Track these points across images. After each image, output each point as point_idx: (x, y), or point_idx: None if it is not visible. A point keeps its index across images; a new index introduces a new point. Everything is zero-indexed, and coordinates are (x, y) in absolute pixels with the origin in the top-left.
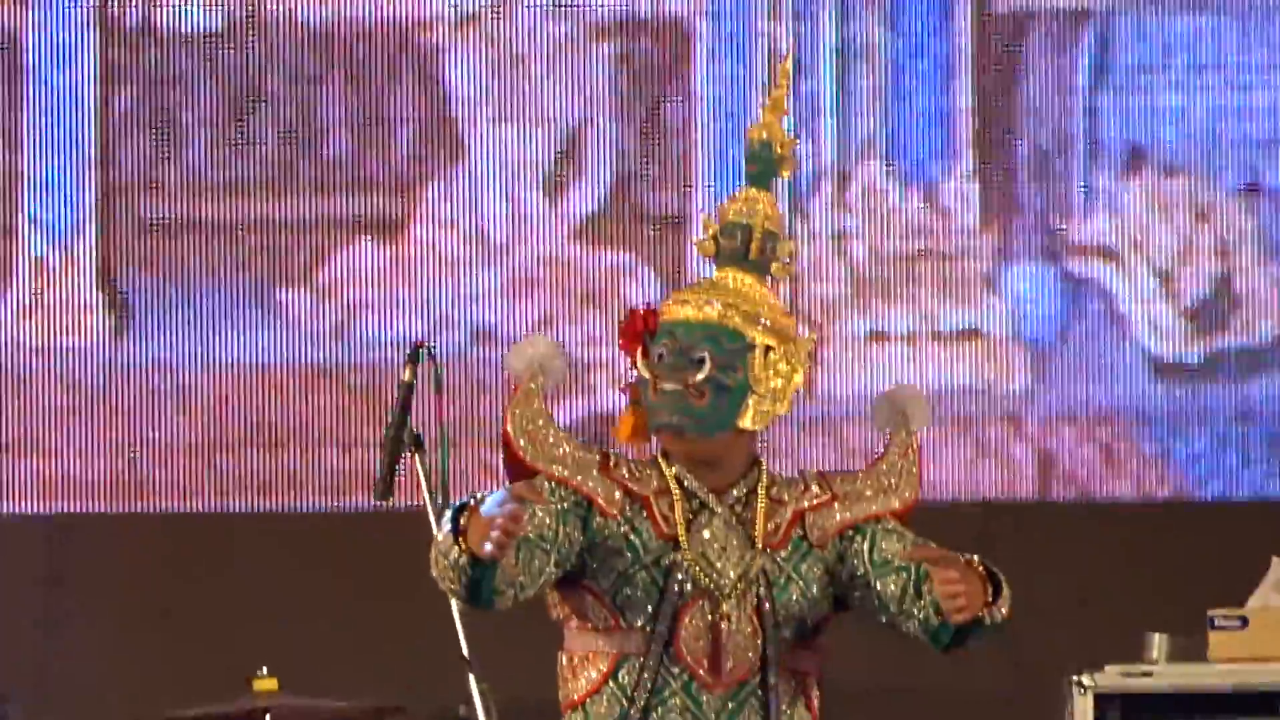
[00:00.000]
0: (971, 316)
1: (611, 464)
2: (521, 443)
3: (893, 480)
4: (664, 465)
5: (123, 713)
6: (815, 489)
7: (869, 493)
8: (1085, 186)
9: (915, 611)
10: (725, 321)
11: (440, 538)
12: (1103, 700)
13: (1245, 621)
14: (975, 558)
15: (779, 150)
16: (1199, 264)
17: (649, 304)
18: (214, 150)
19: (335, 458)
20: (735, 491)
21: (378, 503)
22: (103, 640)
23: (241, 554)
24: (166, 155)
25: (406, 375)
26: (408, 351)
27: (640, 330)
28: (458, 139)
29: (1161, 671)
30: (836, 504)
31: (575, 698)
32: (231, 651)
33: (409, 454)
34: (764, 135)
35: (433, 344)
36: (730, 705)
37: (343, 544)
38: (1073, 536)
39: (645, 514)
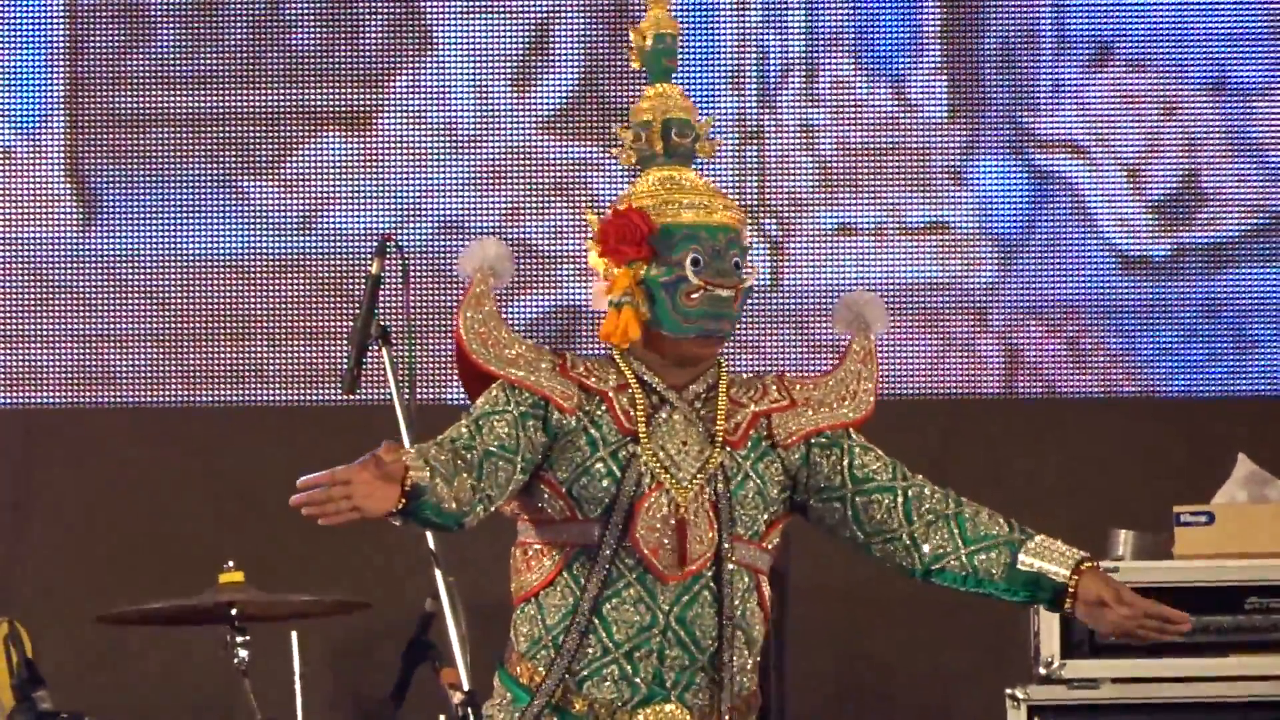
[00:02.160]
0: (938, 210)
1: (568, 364)
2: (474, 346)
3: (852, 387)
4: (621, 363)
5: (89, 605)
6: (774, 392)
7: (832, 399)
8: (1052, 79)
9: (905, 537)
10: (736, 225)
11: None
12: None
13: (1211, 517)
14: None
15: (672, 40)
16: (1166, 158)
17: (629, 206)
18: (182, 41)
19: (302, 350)
20: (695, 388)
21: (345, 395)
22: (69, 532)
23: (208, 446)
24: (134, 46)
25: (374, 268)
26: (375, 244)
27: (646, 234)
28: (426, 30)
29: (1128, 568)
30: (799, 409)
31: (528, 589)
32: (198, 545)
33: (376, 347)
34: (655, 27)
35: (400, 236)
36: (684, 597)
37: (310, 437)
38: (1038, 432)
39: (605, 408)
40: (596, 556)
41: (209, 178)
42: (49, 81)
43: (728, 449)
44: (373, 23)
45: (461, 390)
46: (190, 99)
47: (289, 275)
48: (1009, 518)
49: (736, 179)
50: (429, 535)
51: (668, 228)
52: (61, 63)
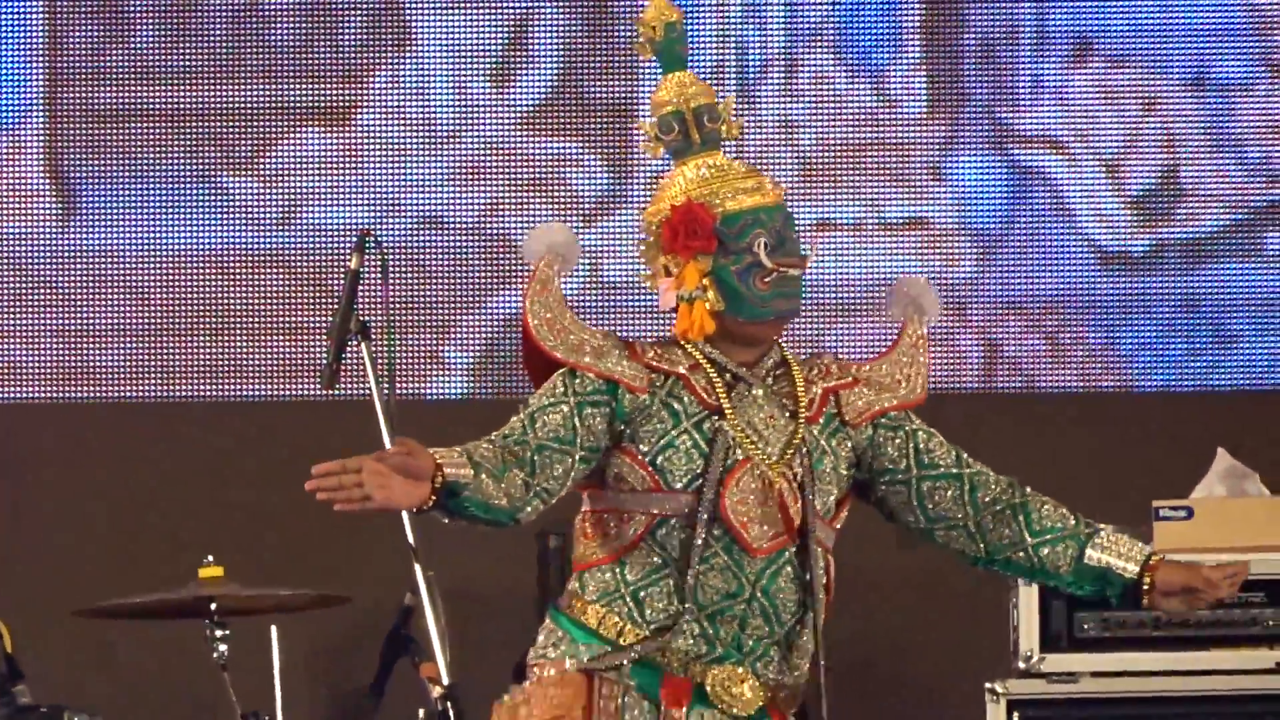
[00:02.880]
0: (918, 205)
1: (639, 350)
2: (542, 332)
3: (907, 370)
4: (689, 346)
5: (69, 600)
6: (836, 370)
7: (889, 381)
8: (1032, 74)
9: (971, 526)
10: (783, 201)
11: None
12: (1048, 594)
13: (1190, 512)
14: None
15: (683, 28)
16: (1145, 153)
17: (688, 199)
18: (162, 36)
19: (282, 345)
20: (765, 365)
21: (324, 391)
22: (48, 527)
23: (187, 441)
24: (114, 41)
25: (353, 263)
26: (354, 239)
27: (711, 225)
28: (406, 25)
29: None
30: (860, 387)
31: (607, 554)
32: (177, 540)
33: (355, 342)
34: (660, 17)
35: (380, 231)
36: (770, 569)
37: (289, 432)
38: (1017, 427)
39: (683, 385)
40: (686, 527)
41: (189, 172)
42: (29, 76)
43: (806, 424)
44: (352, 17)
45: (440, 386)
46: (170, 94)
47: (269, 270)
48: (1074, 509)
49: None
50: (408, 529)
51: (730, 216)
52: (41, 57)
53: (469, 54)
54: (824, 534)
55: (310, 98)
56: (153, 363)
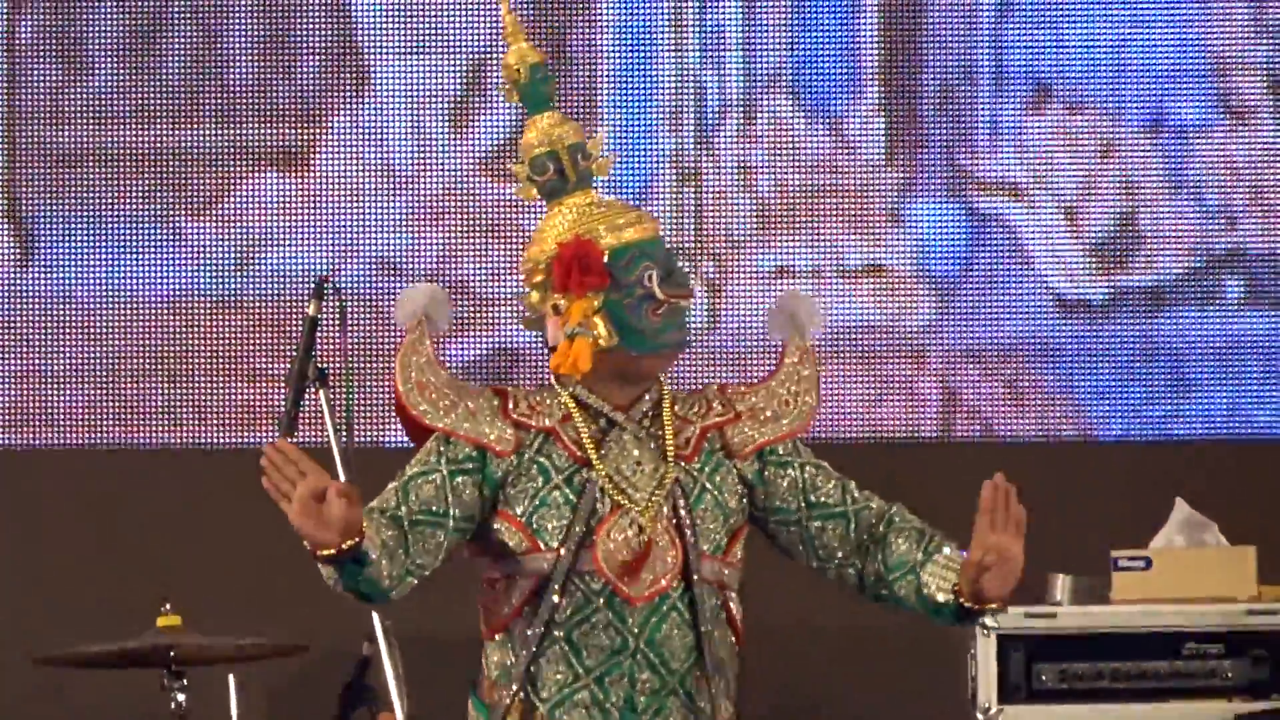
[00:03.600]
0: (876, 251)
1: (510, 404)
2: (411, 398)
3: (793, 388)
4: (563, 392)
5: (26, 647)
6: (718, 406)
7: (775, 404)
8: (990, 121)
9: (856, 562)
10: (661, 235)
11: (324, 574)
12: (1006, 641)
13: (1149, 562)
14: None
15: (545, 68)
16: (1103, 200)
17: (576, 236)
18: (118, 79)
19: (240, 390)
20: (640, 407)
21: (283, 437)
22: (6, 573)
23: (145, 487)
24: (71, 83)
25: (311, 309)
26: (313, 284)
27: (602, 260)
28: (363, 69)
29: (1065, 612)
30: (744, 420)
31: (498, 622)
32: (135, 587)
33: (314, 388)
34: (524, 60)
35: (337, 275)
36: (653, 619)
37: (247, 478)
38: (976, 476)
39: (553, 440)
40: (565, 586)
41: (147, 215)
42: None
43: (680, 463)
44: (311, 60)
45: (400, 434)
46: (128, 136)
47: (226, 315)
48: (931, 528)
49: (674, 218)
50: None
51: (616, 250)
52: None
53: (427, 97)
54: (716, 572)
55: (269, 141)
56: (110, 407)
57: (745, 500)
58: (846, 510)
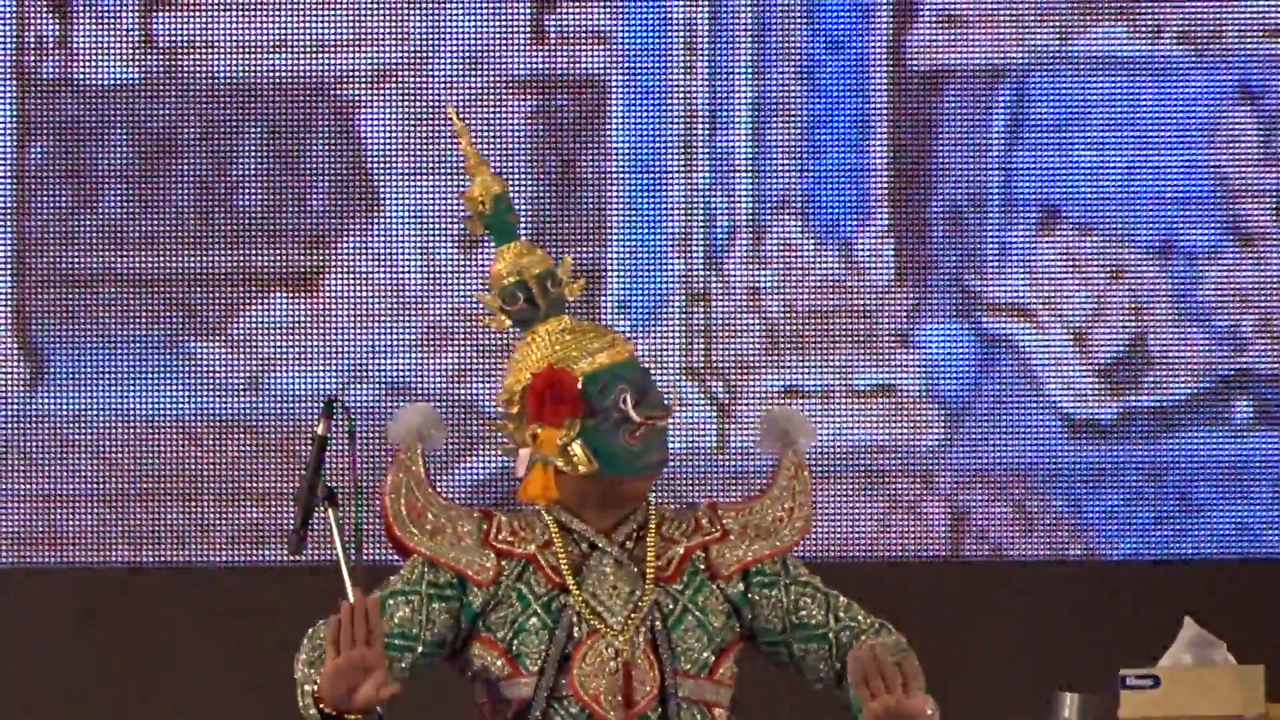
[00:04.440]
0: (885, 373)
1: (493, 531)
2: (400, 517)
3: (786, 505)
4: (547, 516)
5: None
6: (706, 524)
7: (767, 522)
8: (999, 244)
9: (835, 688)
10: (636, 356)
11: (308, 714)
12: None
13: (1157, 681)
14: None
15: (508, 198)
16: (1112, 323)
17: (549, 365)
18: (129, 202)
19: (249, 511)
20: (625, 529)
21: (291, 556)
22: (13, 692)
23: (154, 606)
24: (81, 207)
25: (320, 429)
26: (322, 404)
27: (575, 388)
28: (373, 192)
29: None
30: (732, 538)
31: None
32: (143, 705)
33: (322, 507)
34: (488, 191)
35: (347, 397)
36: None
37: (256, 598)
38: (984, 595)
39: (533, 568)
40: (540, 710)
41: (155, 338)
42: None
43: (661, 585)
44: (321, 183)
45: None
46: (137, 259)
47: (234, 435)
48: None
49: (683, 340)
50: None
51: (590, 376)
52: (8, 222)
53: (437, 219)
54: (700, 691)
55: (279, 262)
56: (119, 528)
57: (733, 619)
58: (828, 632)
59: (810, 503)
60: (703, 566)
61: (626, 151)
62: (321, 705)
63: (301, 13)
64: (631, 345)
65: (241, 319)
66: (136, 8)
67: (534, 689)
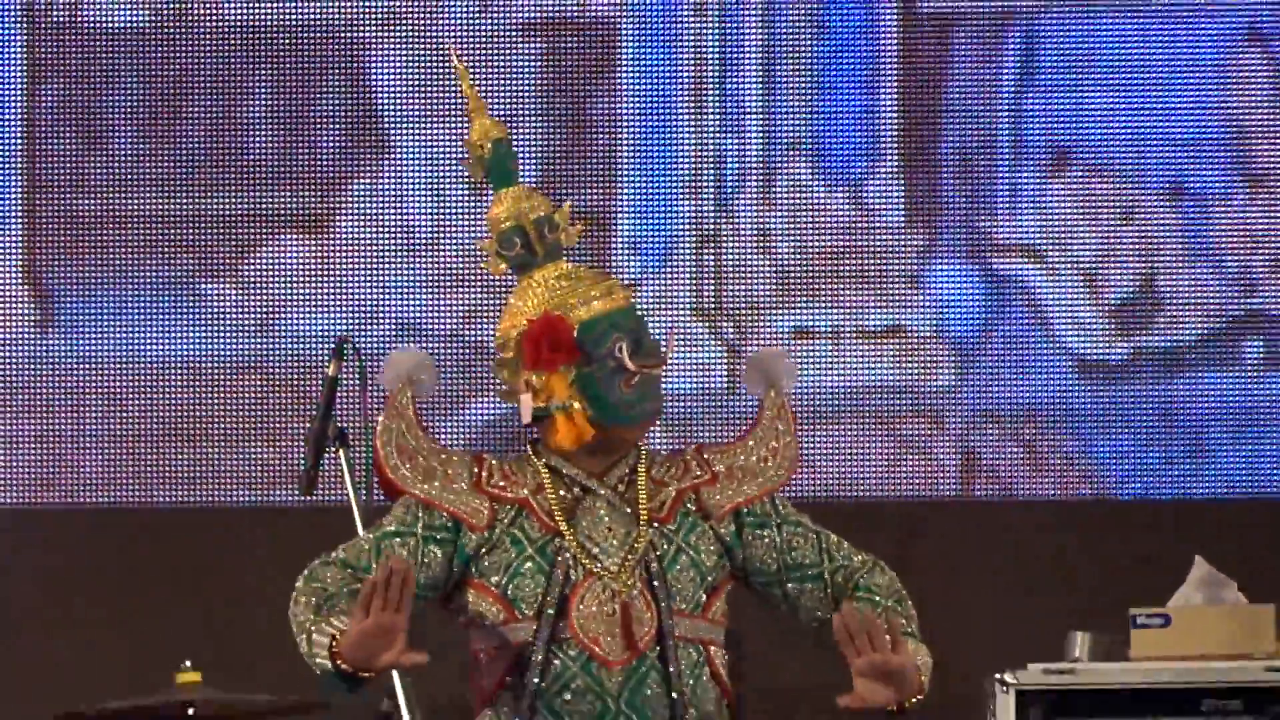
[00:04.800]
0: (895, 314)
1: (485, 475)
2: (390, 461)
3: (773, 445)
4: (537, 460)
5: (46, 706)
6: (695, 468)
7: (754, 463)
8: (1010, 185)
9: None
10: (635, 304)
11: (317, 662)
12: (1025, 698)
13: (1168, 620)
14: (907, 643)
15: (509, 143)
16: (1122, 263)
17: (546, 312)
18: (139, 144)
19: (260, 451)
20: (616, 473)
21: (302, 497)
22: (26, 633)
23: (165, 547)
24: (92, 149)
25: (331, 370)
26: (332, 346)
27: (572, 335)
28: (383, 134)
29: (1084, 670)
30: (721, 481)
31: (484, 695)
32: (155, 645)
33: (333, 449)
34: (487, 135)
35: (358, 338)
36: (632, 681)
37: (267, 538)
38: (995, 535)
39: (527, 513)
40: (539, 654)
41: (166, 279)
42: (7, 183)
43: (655, 526)
44: (332, 125)
45: None
46: (149, 200)
47: (246, 376)
48: (888, 595)
49: (693, 281)
50: None
51: (586, 323)
52: (19, 164)
53: (447, 161)
54: (696, 629)
55: (289, 204)
56: (131, 469)
57: (724, 559)
58: (823, 572)
59: (795, 442)
60: (694, 508)
61: (637, 93)
62: (339, 661)
63: None
64: (629, 292)
65: (252, 260)
66: None
67: (533, 633)
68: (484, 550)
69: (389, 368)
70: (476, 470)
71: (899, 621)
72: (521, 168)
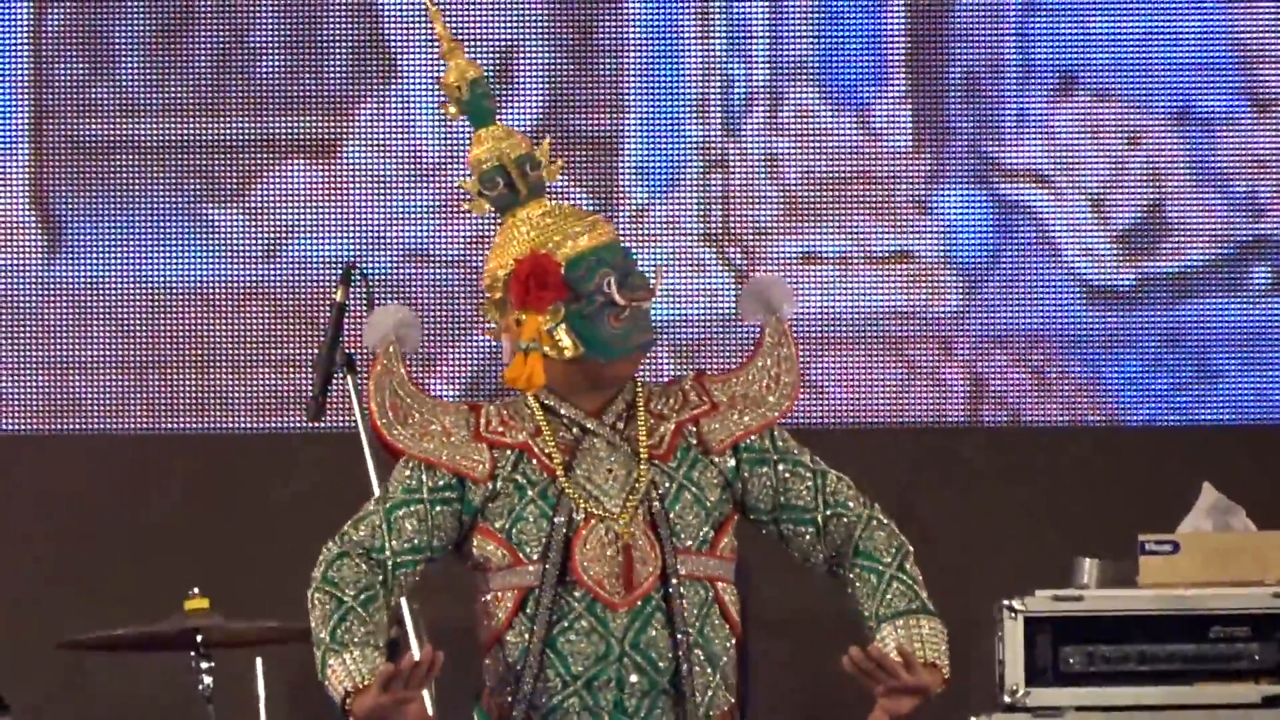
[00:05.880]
0: (903, 240)
1: (483, 422)
2: (387, 418)
3: (774, 372)
4: (533, 402)
5: (54, 633)
6: (694, 397)
7: (754, 391)
8: (1017, 110)
9: (826, 567)
10: (619, 237)
11: (328, 690)
12: (1034, 624)
13: (1176, 546)
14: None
15: (485, 83)
16: (1130, 188)
17: (532, 250)
18: (147, 69)
19: (267, 377)
20: (614, 409)
21: (310, 423)
22: (34, 559)
23: (173, 473)
24: (99, 74)
25: (339, 296)
26: (340, 272)
27: (559, 273)
28: (391, 59)
29: (1092, 596)
30: (722, 411)
31: (490, 636)
32: (163, 572)
33: (341, 374)
34: (463, 75)
35: (365, 264)
36: (636, 622)
37: (274, 464)
38: (1003, 461)
39: (528, 457)
40: (543, 596)
41: (174, 206)
42: (13, 109)
43: (655, 464)
44: (338, 51)
45: None
46: (155, 126)
47: (254, 303)
48: (890, 561)
49: (700, 208)
50: None
51: (573, 260)
52: (26, 90)
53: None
54: (703, 567)
55: (296, 130)
56: (138, 395)
57: (727, 492)
58: (816, 516)
59: (796, 369)
60: (694, 441)
61: (643, 18)
62: (347, 709)
63: None
64: (612, 227)
65: (260, 186)
66: None
67: (538, 577)
68: (489, 499)
69: (372, 328)
70: (474, 419)
71: (909, 650)
72: (529, 94)
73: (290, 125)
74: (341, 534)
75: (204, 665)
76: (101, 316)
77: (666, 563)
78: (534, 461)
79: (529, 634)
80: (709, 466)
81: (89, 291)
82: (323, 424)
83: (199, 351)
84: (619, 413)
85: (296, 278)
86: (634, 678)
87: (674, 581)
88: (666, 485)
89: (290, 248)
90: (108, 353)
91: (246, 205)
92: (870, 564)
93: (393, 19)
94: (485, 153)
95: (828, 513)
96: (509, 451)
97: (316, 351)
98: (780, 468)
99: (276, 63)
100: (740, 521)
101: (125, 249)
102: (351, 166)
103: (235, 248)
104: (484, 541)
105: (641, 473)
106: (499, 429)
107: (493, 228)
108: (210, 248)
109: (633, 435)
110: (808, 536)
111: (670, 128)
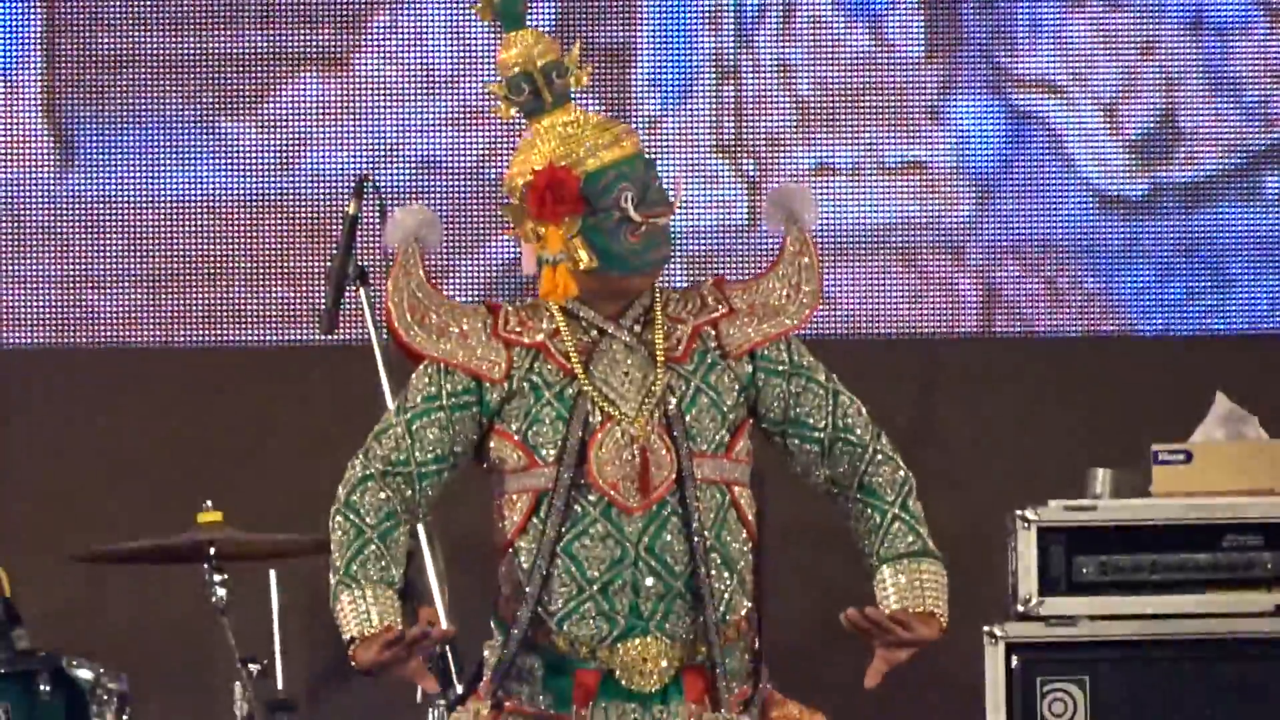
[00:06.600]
0: (915, 149)
1: (501, 321)
2: (405, 319)
3: (794, 281)
4: (553, 305)
5: (67, 545)
6: (712, 302)
7: (775, 299)
8: (1030, 18)
9: (826, 488)
10: (641, 149)
11: (340, 619)
12: (1046, 534)
13: (1189, 456)
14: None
15: None
16: (1143, 97)
17: (549, 163)
18: None
19: (281, 290)
20: (632, 313)
21: (323, 335)
22: (47, 472)
23: (185, 386)
24: None
25: (351, 208)
26: (353, 184)
27: (576, 187)
28: None
29: (1105, 506)
30: (741, 316)
31: (505, 539)
32: (176, 485)
33: (354, 287)
34: None
35: (378, 176)
36: (652, 526)
37: (287, 376)
38: (1016, 371)
39: (544, 357)
40: (558, 499)
41: (186, 118)
42: (26, 21)
43: (672, 367)
44: None
45: None
46: (169, 39)
47: (267, 215)
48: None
49: (713, 118)
50: None
51: (592, 174)
52: (38, 5)
53: None
54: (720, 470)
55: (309, 42)
56: (151, 308)
57: (742, 395)
58: (824, 438)
59: (817, 278)
60: (713, 345)
61: None
62: (351, 654)
63: None
64: (637, 139)
65: (272, 99)
66: None
67: (553, 479)
68: (505, 400)
69: (394, 228)
70: (492, 319)
71: (909, 600)
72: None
73: (303, 38)
74: (366, 449)
75: (217, 578)
76: (114, 230)
77: (682, 466)
78: (551, 362)
79: (545, 539)
80: (726, 370)
81: (102, 206)
82: (336, 337)
83: (212, 265)
84: (637, 317)
85: (310, 190)
86: (649, 581)
87: (690, 485)
88: (683, 389)
89: (303, 161)
90: (121, 267)
91: (260, 118)
92: (874, 500)
93: None
94: (514, 58)
95: (834, 435)
96: (526, 351)
97: (329, 264)
98: (794, 382)
99: None
100: (767, 463)
101: (138, 163)
102: (365, 79)
103: (248, 161)
104: (500, 444)
105: (658, 376)
106: (516, 329)
107: (505, 139)
108: (223, 161)
109: (650, 339)
110: (811, 454)
111: (683, 36)
